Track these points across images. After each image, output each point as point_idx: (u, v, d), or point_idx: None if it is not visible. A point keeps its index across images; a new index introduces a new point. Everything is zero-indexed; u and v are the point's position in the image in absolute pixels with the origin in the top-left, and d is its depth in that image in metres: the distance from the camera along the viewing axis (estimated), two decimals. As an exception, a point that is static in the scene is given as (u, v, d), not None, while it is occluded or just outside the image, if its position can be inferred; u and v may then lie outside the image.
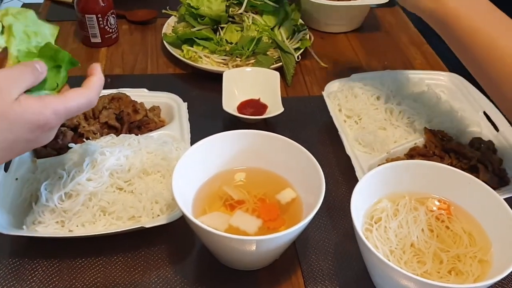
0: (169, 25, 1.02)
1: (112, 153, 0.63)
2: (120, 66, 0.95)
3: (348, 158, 0.72)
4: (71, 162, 0.63)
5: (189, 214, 0.53)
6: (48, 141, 0.50)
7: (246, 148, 0.64)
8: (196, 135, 0.72)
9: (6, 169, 0.66)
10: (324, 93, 0.82)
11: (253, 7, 0.95)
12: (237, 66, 0.91)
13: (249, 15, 0.94)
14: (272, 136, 0.63)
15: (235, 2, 0.95)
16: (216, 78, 0.90)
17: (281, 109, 0.79)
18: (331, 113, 0.78)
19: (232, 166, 0.65)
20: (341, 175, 0.73)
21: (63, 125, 0.72)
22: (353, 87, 0.81)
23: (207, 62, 0.93)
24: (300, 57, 0.95)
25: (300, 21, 1.02)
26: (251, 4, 0.93)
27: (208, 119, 0.83)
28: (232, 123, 0.81)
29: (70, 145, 0.66)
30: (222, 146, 0.63)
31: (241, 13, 0.95)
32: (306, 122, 0.84)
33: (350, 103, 0.80)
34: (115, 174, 0.62)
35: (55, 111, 0.48)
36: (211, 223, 0.56)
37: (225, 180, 0.64)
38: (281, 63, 0.92)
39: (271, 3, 0.94)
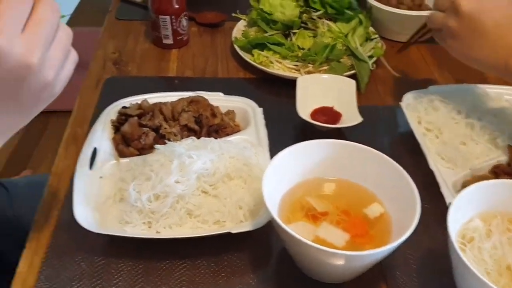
0: (239, 29, 1.02)
1: (199, 156, 0.63)
2: (191, 68, 0.96)
3: (428, 173, 0.70)
4: (158, 163, 0.63)
5: (282, 223, 0.52)
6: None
7: (331, 158, 0.63)
8: (270, 141, 0.73)
9: (90, 166, 0.67)
10: (402, 104, 0.80)
11: (326, 14, 0.94)
12: (309, 72, 0.91)
13: (323, 22, 0.93)
14: (361, 148, 0.62)
15: (309, 8, 0.94)
16: (287, 84, 0.89)
17: (359, 119, 0.77)
18: (411, 126, 0.76)
19: (316, 175, 0.64)
20: (423, 190, 0.71)
21: (145, 126, 0.73)
22: (433, 100, 0.79)
23: (279, 67, 0.92)
24: (374, 65, 0.94)
25: (371, 29, 1.01)
26: (326, 10, 0.92)
27: (281, 124, 0.82)
28: (306, 130, 0.81)
29: (156, 146, 0.66)
30: (308, 154, 0.62)
31: (314, 19, 0.94)
32: (380, 132, 0.82)
33: (431, 116, 0.78)
34: (201, 178, 0.62)
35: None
36: (298, 233, 0.55)
37: (308, 190, 0.63)
38: (354, 71, 0.90)
39: (346, 10, 0.93)
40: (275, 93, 0.90)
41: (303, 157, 0.62)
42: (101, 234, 0.57)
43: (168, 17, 0.95)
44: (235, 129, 0.77)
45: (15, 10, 0.41)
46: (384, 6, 1.02)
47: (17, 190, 0.90)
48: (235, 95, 0.84)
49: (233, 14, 1.05)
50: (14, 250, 0.63)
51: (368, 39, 0.98)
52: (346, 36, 0.93)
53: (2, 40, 0.39)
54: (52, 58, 0.44)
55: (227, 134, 0.75)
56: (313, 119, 0.81)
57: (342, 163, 0.63)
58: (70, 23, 1.99)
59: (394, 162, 0.59)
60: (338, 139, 0.79)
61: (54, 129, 1.43)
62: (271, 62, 0.92)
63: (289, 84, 0.88)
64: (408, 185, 0.57)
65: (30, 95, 0.44)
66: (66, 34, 0.46)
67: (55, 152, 1.42)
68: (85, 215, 0.59)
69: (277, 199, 0.61)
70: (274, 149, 0.74)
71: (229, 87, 0.89)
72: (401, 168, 0.59)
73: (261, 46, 0.95)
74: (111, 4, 1.14)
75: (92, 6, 2.12)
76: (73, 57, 0.48)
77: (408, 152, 0.77)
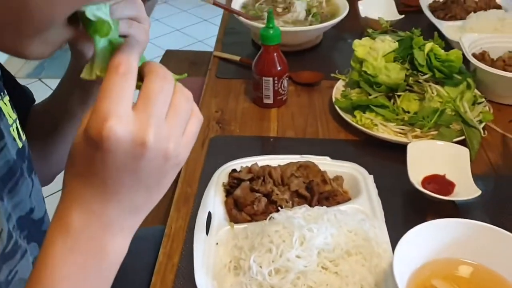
0: (338, 89, 1.02)
1: (319, 230, 0.62)
2: (292, 128, 0.96)
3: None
4: (277, 235, 0.62)
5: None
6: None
7: (466, 238, 0.60)
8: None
9: (207, 232, 0.68)
10: (523, 177, 0.75)
11: (434, 77, 0.92)
12: (416, 136, 0.88)
13: (431, 85, 0.91)
14: (499, 232, 0.58)
15: (415, 71, 0.93)
16: (393, 147, 0.87)
17: (477, 191, 0.73)
18: (537, 202, 0.71)
19: (447, 256, 0.60)
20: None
21: (257, 191, 0.73)
22: (559, 174, 0.74)
23: (384, 130, 0.90)
24: (485, 132, 0.90)
25: (476, 91, 0.97)
26: (433, 74, 0.90)
27: (390, 191, 0.79)
28: (417, 198, 0.78)
29: (273, 215, 0.66)
30: (439, 233, 0.60)
31: (420, 82, 0.92)
32: (498, 205, 0.78)
33: (558, 192, 0.73)
34: (322, 253, 0.61)
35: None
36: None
37: (436, 271, 0.60)
38: (463, 137, 0.87)
39: (455, 75, 0.90)
40: (381, 157, 0.88)
41: (432, 237, 0.60)
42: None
43: (271, 79, 0.97)
44: (345, 197, 0.76)
45: (163, 103, 0.41)
46: (491, 68, 0.98)
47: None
48: (339, 157, 0.83)
49: (332, 75, 1.05)
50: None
51: (475, 102, 0.94)
52: (454, 100, 0.90)
53: (151, 133, 0.39)
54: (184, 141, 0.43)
55: (338, 202, 0.74)
56: (424, 187, 0.78)
57: (475, 245, 0.59)
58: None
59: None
60: (452, 210, 0.77)
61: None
62: (375, 125, 0.91)
63: (395, 148, 0.86)
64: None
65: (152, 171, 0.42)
66: (198, 120, 0.45)
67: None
68: (205, 283, 0.59)
69: (403, 281, 0.58)
70: (386, 219, 0.72)
71: (332, 149, 0.89)
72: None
73: (363, 107, 0.94)
74: (210, 63, 1.18)
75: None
76: (197, 118, 0.45)
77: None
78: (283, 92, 1.01)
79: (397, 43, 0.96)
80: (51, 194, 1.32)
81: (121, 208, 0.42)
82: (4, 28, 0.39)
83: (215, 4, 1.11)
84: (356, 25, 1.31)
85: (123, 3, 0.49)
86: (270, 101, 1.01)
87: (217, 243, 0.67)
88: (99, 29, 0.42)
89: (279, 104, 1.02)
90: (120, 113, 0.38)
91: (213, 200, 0.73)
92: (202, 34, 3.20)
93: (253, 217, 0.71)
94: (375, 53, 0.94)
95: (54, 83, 3.03)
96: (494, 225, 0.73)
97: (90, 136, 0.38)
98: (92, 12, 0.41)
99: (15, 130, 0.61)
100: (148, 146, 0.39)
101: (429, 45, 0.93)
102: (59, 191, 0.50)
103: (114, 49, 0.42)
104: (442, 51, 0.93)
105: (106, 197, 0.42)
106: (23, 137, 0.63)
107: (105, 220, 0.42)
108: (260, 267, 0.60)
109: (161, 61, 2.23)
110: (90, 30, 0.42)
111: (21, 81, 0.76)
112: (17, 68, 2.78)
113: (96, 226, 0.42)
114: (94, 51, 0.43)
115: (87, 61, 0.44)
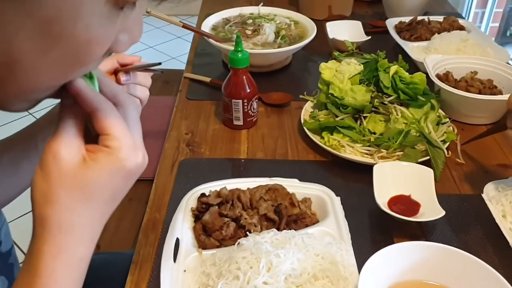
0: (307, 111, 1.04)
1: (287, 255, 0.62)
2: (262, 150, 0.97)
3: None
4: (244, 261, 0.62)
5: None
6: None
7: (426, 261, 0.61)
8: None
9: (174, 259, 0.68)
10: (484, 196, 0.78)
11: (398, 99, 0.94)
12: (382, 157, 0.90)
13: (396, 107, 0.93)
14: (462, 255, 0.60)
15: (380, 93, 0.95)
16: (360, 168, 0.89)
17: (441, 212, 0.75)
18: (497, 221, 0.73)
19: (411, 279, 0.62)
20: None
21: (226, 216, 0.73)
22: (519, 193, 0.77)
23: (351, 151, 0.92)
24: (449, 151, 0.92)
25: (441, 111, 1.00)
26: (398, 96, 0.93)
27: (356, 212, 0.81)
28: (383, 219, 0.79)
29: (240, 241, 0.66)
30: (403, 257, 0.61)
31: (385, 104, 0.94)
32: (461, 225, 0.80)
33: (517, 210, 0.75)
34: (289, 279, 0.61)
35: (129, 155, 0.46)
36: None
37: (401, 294, 0.61)
38: (428, 157, 0.89)
39: (420, 97, 0.93)
40: (348, 178, 0.89)
41: (397, 260, 0.61)
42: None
43: (240, 101, 0.98)
44: (314, 219, 0.77)
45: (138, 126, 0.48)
46: (454, 89, 1.01)
47: (91, 270, 0.90)
48: (308, 179, 0.84)
49: (301, 96, 1.07)
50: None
51: (439, 122, 0.97)
52: (419, 121, 0.92)
53: (138, 156, 0.46)
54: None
55: (306, 225, 0.75)
56: (390, 208, 0.80)
57: (439, 267, 0.61)
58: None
59: (498, 275, 0.57)
60: (418, 230, 0.78)
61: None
62: (342, 146, 0.93)
63: (363, 169, 0.88)
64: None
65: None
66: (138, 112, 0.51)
67: (116, 221, 1.42)
68: (172, 313, 0.59)
69: (368, 304, 0.59)
70: (353, 241, 0.73)
71: (301, 170, 0.90)
72: (507, 284, 0.56)
73: (330, 128, 0.95)
74: (181, 84, 1.19)
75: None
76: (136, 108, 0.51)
77: (494, 249, 0.74)
78: (253, 114, 1.02)
79: (362, 66, 0.98)
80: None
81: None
82: None
83: (184, 27, 1.12)
84: (325, 47, 1.34)
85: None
86: (240, 122, 1.01)
87: (184, 270, 0.66)
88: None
89: (249, 126, 1.03)
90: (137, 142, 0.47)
91: (181, 226, 0.73)
92: (176, 51, 3.20)
93: (222, 242, 0.71)
94: (341, 75, 0.96)
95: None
96: (459, 243, 0.75)
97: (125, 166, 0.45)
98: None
99: None
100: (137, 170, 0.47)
101: (394, 68, 0.95)
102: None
103: None
104: (407, 73, 0.96)
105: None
106: None
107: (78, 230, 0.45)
108: (228, 294, 0.60)
109: (134, 80, 2.22)
110: None
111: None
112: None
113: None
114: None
115: None
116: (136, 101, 0.66)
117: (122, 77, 0.68)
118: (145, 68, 0.68)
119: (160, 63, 0.66)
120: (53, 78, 0.40)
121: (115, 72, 0.70)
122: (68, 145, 0.44)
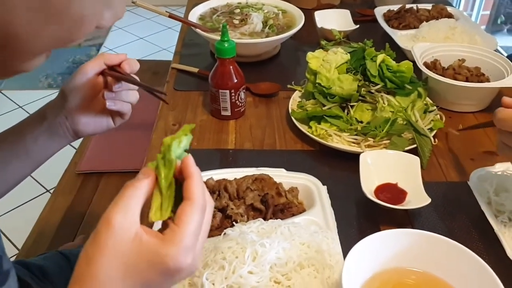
0: (295, 100, 1.03)
1: (272, 245, 0.62)
2: (250, 140, 0.97)
3: (504, 260, 0.67)
4: (230, 251, 0.62)
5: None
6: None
7: (410, 248, 0.61)
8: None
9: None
10: (470, 184, 0.78)
11: (385, 87, 0.94)
12: (369, 146, 0.90)
13: (383, 96, 0.93)
14: (445, 241, 0.60)
15: (367, 82, 0.95)
16: (346, 157, 0.89)
17: (427, 200, 0.76)
18: (483, 208, 0.74)
19: (395, 266, 0.62)
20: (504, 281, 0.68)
21: (212, 207, 0.73)
22: (503, 180, 0.77)
23: (338, 140, 0.92)
24: (436, 139, 0.92)
25: (428, 99, 1.00)
26: (385, 84, 0.93)
27: (344, 201, 0.81)
28: (370, 207, 0.79)
29: (226, 231, 0.66)
30: (387, 244, 0.61)
31: (372, 93, 0.94)
32: (448, 213, 0.80)
33: (501, 197, 0.76)
34: (274, 268, 0.61)
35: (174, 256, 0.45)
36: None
37: (386, 282, 0.61)
38: (415, 145, 0.89)
39: (406, 85, 0.93)
40: (335, 167, 0.89)
41: (381, 247, 0.61)
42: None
43: (227, 91, 0.98)
44: (300, 209, 0.77)
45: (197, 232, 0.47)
46: (441, 77, 1.02)
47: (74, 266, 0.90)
48: (295, 168, 0.84)
49: (289, 86, 1.07)
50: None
51: (426, 110, 0.97)
52: (405, 110, 0.92)
53: (189, 257, 0.45)
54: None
55: (293, 214, 0.75)
56: (377, 196, 0.80)
57: (422, 254, 0.61)
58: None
59: (481, 260, 0.57)
60: (404, 218, 0.79)
61: (105, 190, 1.45)
62: (330, 135, 0.93)
63: (349, 158, 0.88)
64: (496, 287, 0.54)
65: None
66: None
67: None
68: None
69: (353, 292, 0.59)
70: (340, 230, 0.73)
71: (289, 160, 0.90)
72: (489, 269, 0.56)
73: (318, 118, 0.95)
74: (168, 75, 1.18)
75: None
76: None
77: (479, 236, 0.75)
78: (240, 104, 1.01)
79: (348, 55, 0.97)
80: None
81: None
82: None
83: (171, 17, 1.11)
84: (314, 36, 1.33)
85: None
86: (228, 113, 1.01)
87: (171, 261, 0.66)
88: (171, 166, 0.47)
89: (237, 116, 1.03)
90: (196, 246, 0.47)
91: (168, 217, 0.73)
92: (166, 42, 3.18)
93: (209, 233, 0.71)
94: (328, 65, 0.96)
95: (14, 94, 2.92)
96: (445, 231, 0.76)
97: (170, 264, 0.44)
98: (176, 153, 0.47)
99: None
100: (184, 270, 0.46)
101: (381, 57, 0.95)
102: None
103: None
104: (394, 62, 0.96)
105: None
106: None
107: None
108: (213, 284, 0.60)
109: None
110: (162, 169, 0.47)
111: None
112: (-25, 80, 2.70)
113: None
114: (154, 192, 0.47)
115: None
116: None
117: (114, 85, 0.71)
118: (149, 90, 0.73)
119: (165, 94, 0.72)
120: (49, 47, 0.43)
121: (102, 73, 0.72)
122: (123, 217, 0.44)
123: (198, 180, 0.48)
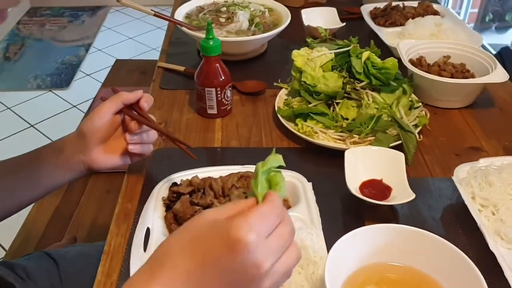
0: (281, 98, 1.04)
1: (255, 241, 0.62)
2: (236, 138, 0.97)
3: (487, 254, 0.68)
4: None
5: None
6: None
7: (392, 243, 0.61)
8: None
9: (145, 249, 0.67)
10: (454, 179, 0.78)
11: (370, 84, 0.94)
12: (355, 143, 0.90)
13: (368, 92, 0.93)
14: (427, 235, 0.60)
15: (352, 79, 0.95)
16: (332, 154, 0.90)
17: (412, 196, 0.76)
18: (467, 202, 0.74)
19: (378, 261, 0.62)
20: (484, 273, 0.68)
21: (197, 205, 0.73)
22: (487, 175, 0.78)
23: (324, 137, 0.92)
24: (421, 136, 0.93)
25: (414, 96, 1.01)
26: (370, 81, 0.93)
27: (329, 197, 0.81)
28: (355, 203, 0.80)
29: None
30: (369, 239, 0.61)
31: (357, 90, 0.95)
32: (432, 207, 0.80)
33: (485, 192, 0.76)
34: (258, 264, 0.61)
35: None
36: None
37: (369, 277, 0.61)
38: (400, 141, 0.90)
39: (392, 82, 0.93)
40: (320, 164, 0.90)
41: (364, 243, 0.61)
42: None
43: (213, 89, 0.97)
44: (286, 205, 0.77)
45: (269, 221, 0.47)
46: (426, 74, 1.02)
47: (65, 262, 0.90)
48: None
49: (275, 84, 1.07)
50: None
51: (412, 107, 0.98)
52: (390, 106, 0.93)
53: (252, 236, 0.44)
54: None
55: (278, 212, 0.75)
56: (362, 192, 0.81)
57: (406, 249, 0.61)
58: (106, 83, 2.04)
59: (462, 253, 0.57)
60: (389, 214, 0.79)
61: (92, 191, 1.45)
62: (316, 132, 0.93)
63: (335, 154, 0.88)
64: (477, 279, 0.55)
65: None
66: (295, 255, 0.49)
67: (94, 213, 1.42)
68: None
69: (337, 287, 0.59)
70: (325, 226, 0.74)
71: (274, 158, 0.90)
72: (470, 262, 0.57)
73: (304, 115, 0.95)
74: (154, 73, 1.18)
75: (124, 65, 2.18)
76: (295, 252, 0.49)
77: (463, 230, 0.75)
78: (226, 102, 1.01)
79: (333, 54, 0.98)
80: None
81: None
82: None
83: (156, 15, 1.11)
84: (301, 34, 1.33)
85: None
86: (214, 111, 1.01)
87: (155, 259, 0.66)
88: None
89: (224, 114, 1.02)
90: (261, 233, 0.45)
91: (152, 215, 0.73)
92: (155, 42, 3.17)
93: (193, 231, 0.71)
94: (313, 63, 0.96)
95: (1, 95, 2.89)
96: (430, 226, 0.76)
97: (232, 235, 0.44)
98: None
99: None
100: (259, 274, 0.45)
101: (366, 54, 0.96)
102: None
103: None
104: (378, 59, 0.96)
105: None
106: None
107: None
108: (197, 281, 0.60)
109: (111, 71, 2.19)
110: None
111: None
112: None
113: None
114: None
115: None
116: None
117: (135, 127, 0.74)
118: (172, 140, 0.81)
119: (191, 147, 0.77)
120: None
121: (120, 112, 0.76)
122: (217, 211, 0.48)
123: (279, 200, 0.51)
